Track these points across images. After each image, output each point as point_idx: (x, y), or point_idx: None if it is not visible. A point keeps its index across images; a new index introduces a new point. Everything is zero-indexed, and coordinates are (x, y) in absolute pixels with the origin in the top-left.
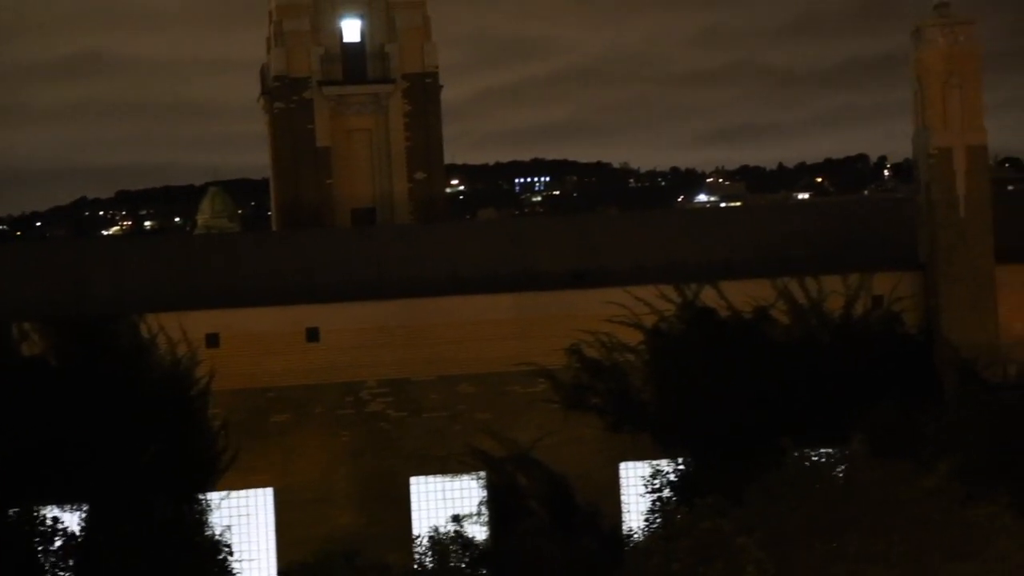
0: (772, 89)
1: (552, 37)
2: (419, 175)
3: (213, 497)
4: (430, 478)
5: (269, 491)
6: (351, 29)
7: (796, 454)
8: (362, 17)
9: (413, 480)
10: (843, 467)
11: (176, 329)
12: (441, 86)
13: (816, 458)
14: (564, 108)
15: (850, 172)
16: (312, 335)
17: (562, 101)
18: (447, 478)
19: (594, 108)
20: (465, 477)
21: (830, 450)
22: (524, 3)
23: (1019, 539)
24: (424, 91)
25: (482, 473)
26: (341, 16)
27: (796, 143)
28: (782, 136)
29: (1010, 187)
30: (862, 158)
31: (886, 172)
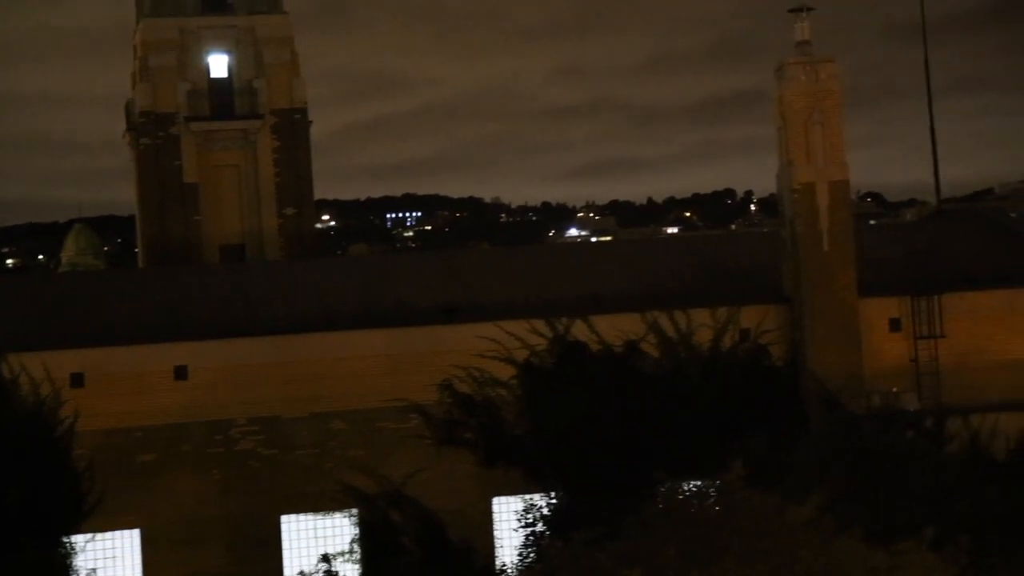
0: (634, 125)
1: (414, 72)
2: (289, 211)
3: (79, 539)
4: (301, 517)
5: (136, 532)
6: (218, 64)
7: (669, 486)
8: (229, 53)
9: (284, 519)
10: (715, 498)
11: (39, 369)
12: (310, 122)
13: (689, 489)
14: (433, 143)
15: (718, 206)
16: (180, 373)
17: (430, 136)
18: (319, 516)
19: (462, 143)
20: (337, 515)
21: (700, 482)
22: (385, 38)
23: (889, 572)
24: (293, 127)
25: (354, 511)
26: (208, 51)
27: (664, 178)
28: (648, 171)
29: (872, 221)
30: (729, 193)
31: (753, 206)
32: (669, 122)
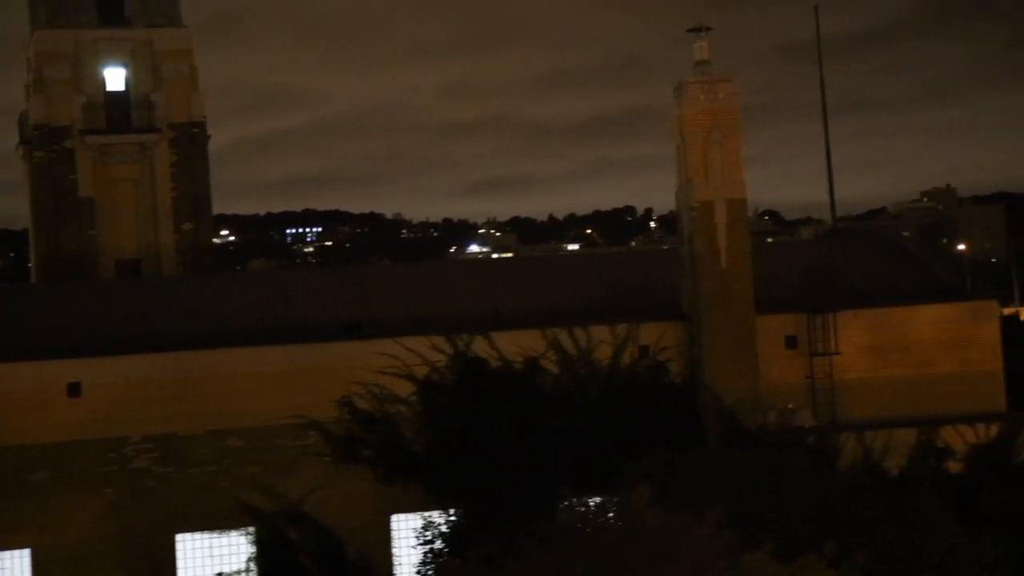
0: (528, 142)
1: (309, 86)
2: (186, 226)
3: None
4: (197, 535)
5: (26, 552)
6: (115, 78)
7: (569, 503)
8: (126, 66)
9: (179, 537)
10: (616, 515)
11: None
12: (208, 136)
13: (589, 506)
14: (332, 158)
15: (618, 223)
16: (74, 390)
17: (329, 151)
18: (215, 535)
19: (361, 158)
20: (233, 533)
21: (599, 498)
22: (280, 52)
23: None
24: (191, 141)
25: (251, 529)
26: (104, 64)
27: (564, 195)
28: (547, 188)
29: (769, 239)
30: (629, 210)
31: (652, 224)
32: (563, 139)
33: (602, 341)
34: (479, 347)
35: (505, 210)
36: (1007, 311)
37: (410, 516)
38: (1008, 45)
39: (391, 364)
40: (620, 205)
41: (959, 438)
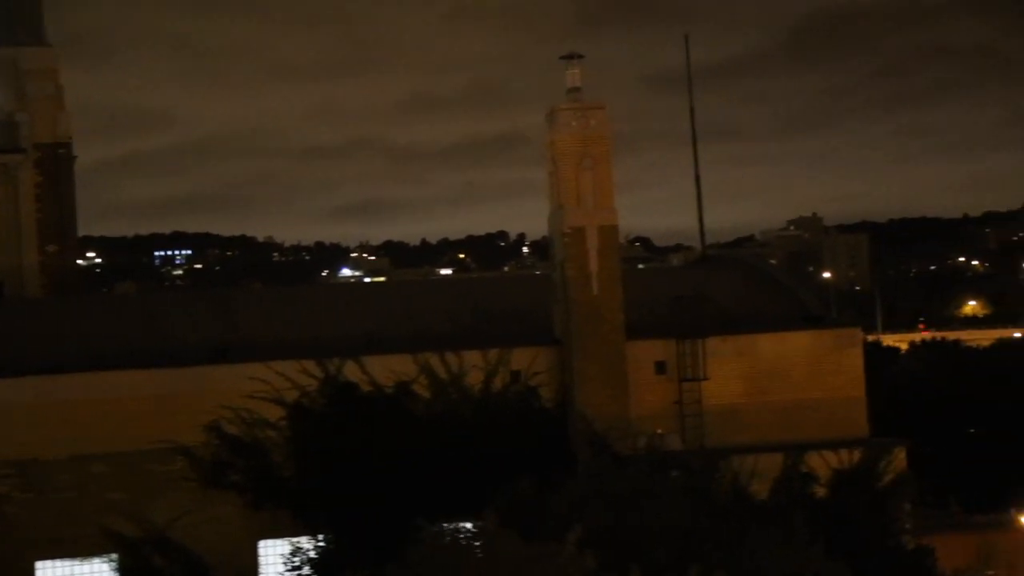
0: (396, 166)
1: (174, 108)
2: (51, 248)
3: None
4: (58, 562)
5: None
6: None
7: (436, 529)
8: None
9: (39, 565)
10: (478, 540)
11: None
12: (74, 156)
13: (456, 532)
14: (201, 180)
15: (491, 248)
16: None
17: (198, 173)
18: (77, 562)
19: (231, 181)
20: (96, 560)
21: (469, 524)
22: (146, 74)
23: None
24: (56, 162)
25: (115, 556)
26: None
27: (438, 220)
28: (420, 212)
29: (640, 265)
30: (502, 235)
31: (525, 249)
32: (430, 163)
33: (474, 366)
34: (350, 372)
35: (378, 234)
36: (870, 338)
37: (278, 542)
38: (866, 78)
39: (261, 388)
40: (493, 230)
41: (823, 463)
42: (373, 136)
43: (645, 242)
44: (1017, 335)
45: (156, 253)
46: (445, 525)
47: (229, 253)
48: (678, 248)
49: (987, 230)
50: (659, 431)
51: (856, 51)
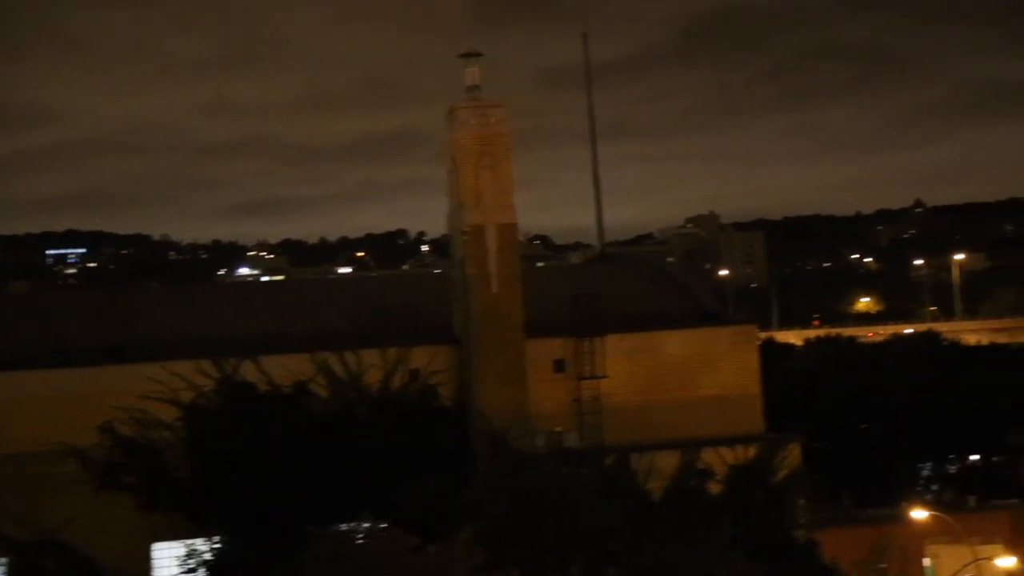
0: (292, 163)
1: (66, 104)
2: None
3: None
4: None
5: None
6: None
7: (332, 529)
8: None
9: None
10: (372, 539)
11: None
12: None
13: (352, 532)
14: (95, 177)
15: (390, 247)
16: None
17: (91, 170)
18: None
19: (125, 178)
20: None
21: (367, 524)
22: (35, 69)
23: None
24: None
25: (4, 560)
26: None
27: (336, 217)
28: (317, 210)
29: (540, 263)
30: (402, 233)
31: (424, 247)
32: (327, 161)
33: (372, 365)
34: (247, 371)
35: (276, 232)
36: (766, 335)
37: (173, 544)
38: (756, 77)
39: (156, 389)
40: (392, 228)
41: (720, 459)
42: (267, 133)
43: (544, 240)
44: (909, 331)
45: (49, 251)
46: (343, 525)
47: (124, 251)
48: (577, 246)
49: (879, 227)
50: (557, 429)
51: (747, 50)
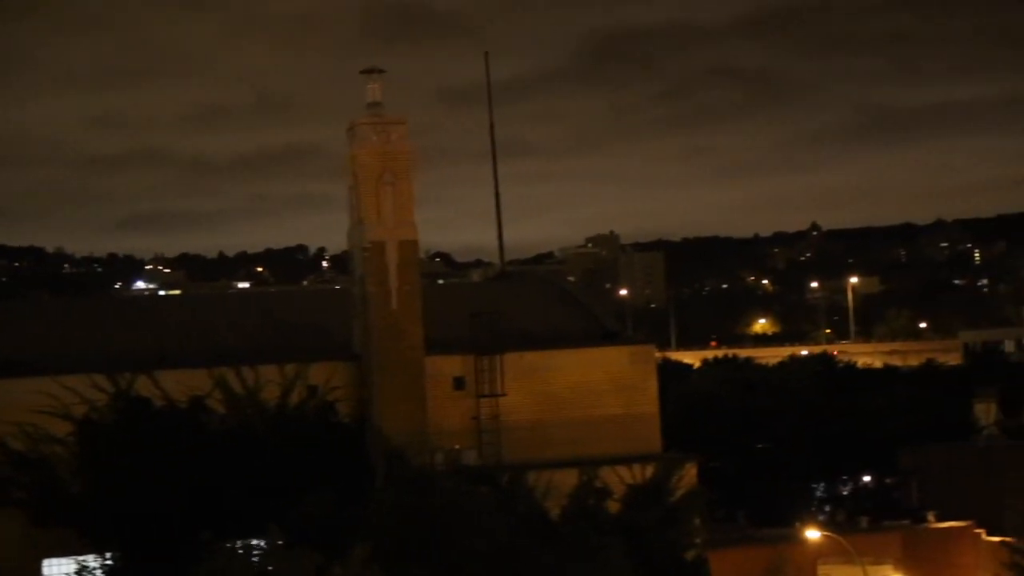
0: (187, 177)
1: None
2: None
3: None
4: None
5: None
6: None
7: (228, 545)
8: None
9: None
10: (264, 557)
11: None
12: None
13: (248, 549)
14: None
15: (290, 262)
16: None
17: None
18: None
19: (16, 190)
20: None
21: (263, 541)
22: None
23: None
24: None
25: None
26: None
27: (235, 232)
28: (215, 224)
29: (440, 281)
30: (302, 249)
31: (325, 263)
32: (221, 175)
33: (270, 381)
34: (143, 386)
35: (174, 246)
36: (664, 355)
37: (64, 560)
38: (651, 98)
39: (48, 403)
40: (292, 244)
41: (617, 478)
42: (159, 147)
43: (445, 258)
44: (804, 352)
45: None
46: (238, 542)
47: (17, 264)
48: (478, 264)
49: (776, 250)
50: (456, 447)
51: (641, 72)
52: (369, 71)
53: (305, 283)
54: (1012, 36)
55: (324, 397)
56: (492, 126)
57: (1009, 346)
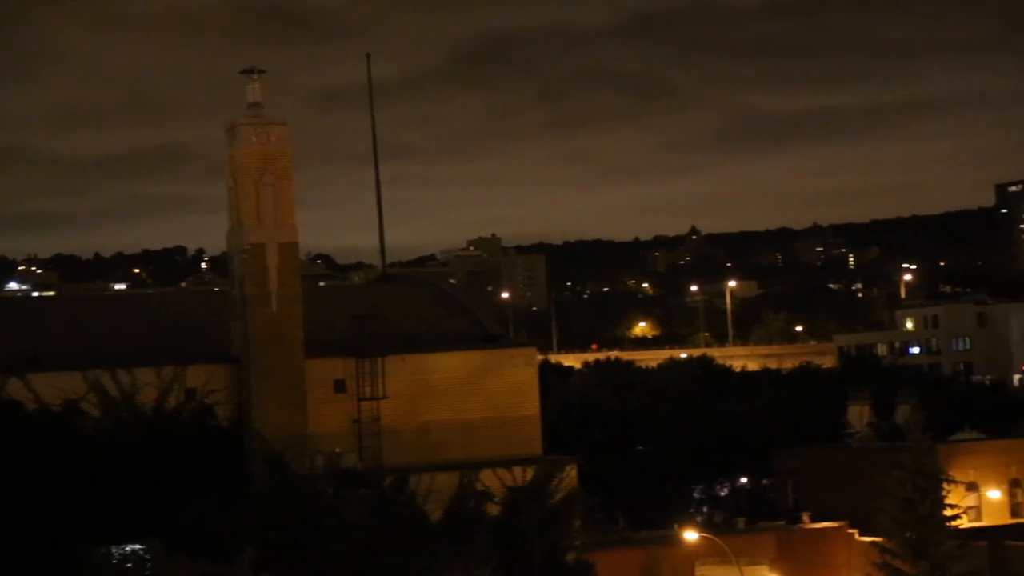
0: (55, 177)
1: None
2: None
3: None
4: None
5: None
6: None
7: (103, 552)
8: None
9: None
10: (146, 565)
11: None
12: None
13: (124, 556)
14: None
15: (168, 264)
16: None
17: None
18: None
19: None
20: None
21: (139, 546)
22: None
23: None
24: None
25: None
26: None
27: (112, 232)
28: (85, 225)
29: (321, 283)
30: (180, 250)
31: (204, 264)
32: (91, 175)
33: (147, 383)
34: (14, 389)
35: (47, 247)
36: (545, 357)
37: None
38: (529, 101)
39: None
40: (171, 245)
41: (498, 481)
42: (27, 146)
43: (327, 260)
44: (683, 355)
45: None
46: (114, 548)
47: None
48: (359, 266)
49: (656, 253)
50: (337, 450)
51: (518, 75)
52: (249, 71)
53: (183, 285)
54: (884, 46)
55: (202, 400)
56: (374, 128)
57: (882, 349)
